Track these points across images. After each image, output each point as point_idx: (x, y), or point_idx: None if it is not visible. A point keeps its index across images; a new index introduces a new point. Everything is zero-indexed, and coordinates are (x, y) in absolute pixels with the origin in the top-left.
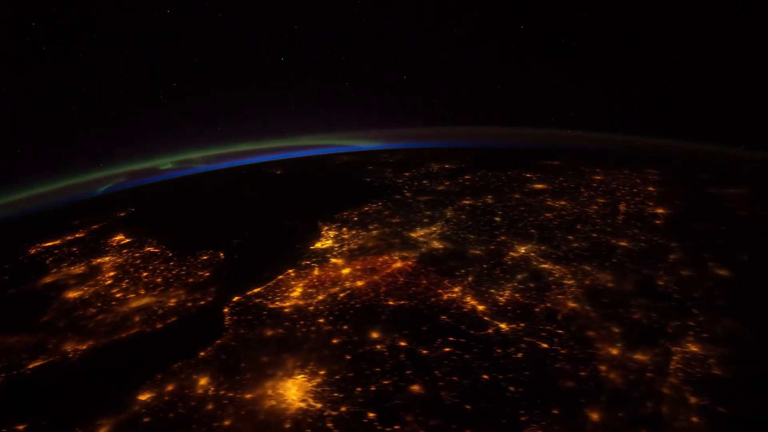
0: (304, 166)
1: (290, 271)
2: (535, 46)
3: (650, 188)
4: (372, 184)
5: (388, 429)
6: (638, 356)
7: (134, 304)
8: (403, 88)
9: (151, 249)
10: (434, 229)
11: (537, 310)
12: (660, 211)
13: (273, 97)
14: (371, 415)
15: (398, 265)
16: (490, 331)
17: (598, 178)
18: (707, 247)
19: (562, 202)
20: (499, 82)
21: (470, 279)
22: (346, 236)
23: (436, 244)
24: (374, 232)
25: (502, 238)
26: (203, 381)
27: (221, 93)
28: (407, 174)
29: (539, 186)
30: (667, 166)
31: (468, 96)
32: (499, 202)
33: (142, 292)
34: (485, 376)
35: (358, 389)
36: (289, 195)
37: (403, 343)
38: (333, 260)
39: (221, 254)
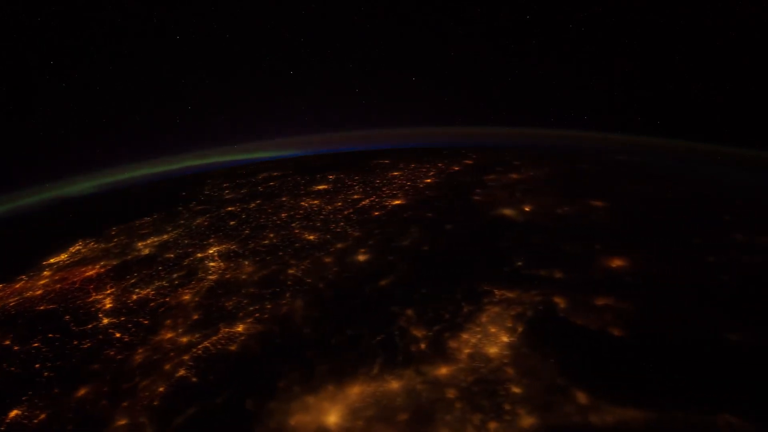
0: (175, 182)
1: (0, 285)
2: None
3: (427, 180)
4: (185, 198)
5: None
6: (189, 338)
7: None
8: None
9: None
10: (165, 237)
11: (152, 304)
12: (396, 202)
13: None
14: None
15: (89, 273)
16: (89, 326)
17: (396, 174)
18: (383, 235)
19: (315, 202)
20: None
21: (132, 281)
22: (84, 249)
23: (146, 251)
24: (112, 244)
25: (211, 240)
26: None
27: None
28: (226, 184)
29: (319, 187)
30: (491, 156)
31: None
32: (258, 207)
33: None
34: (37, 365)
35: None
36: (104, 212)
37: (7, 342)
38: (45, 272)
39: None
